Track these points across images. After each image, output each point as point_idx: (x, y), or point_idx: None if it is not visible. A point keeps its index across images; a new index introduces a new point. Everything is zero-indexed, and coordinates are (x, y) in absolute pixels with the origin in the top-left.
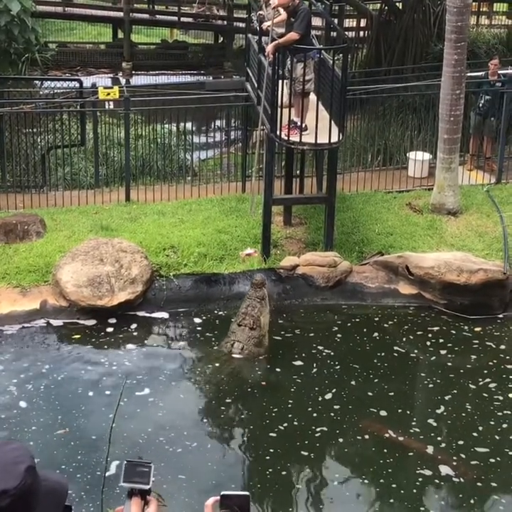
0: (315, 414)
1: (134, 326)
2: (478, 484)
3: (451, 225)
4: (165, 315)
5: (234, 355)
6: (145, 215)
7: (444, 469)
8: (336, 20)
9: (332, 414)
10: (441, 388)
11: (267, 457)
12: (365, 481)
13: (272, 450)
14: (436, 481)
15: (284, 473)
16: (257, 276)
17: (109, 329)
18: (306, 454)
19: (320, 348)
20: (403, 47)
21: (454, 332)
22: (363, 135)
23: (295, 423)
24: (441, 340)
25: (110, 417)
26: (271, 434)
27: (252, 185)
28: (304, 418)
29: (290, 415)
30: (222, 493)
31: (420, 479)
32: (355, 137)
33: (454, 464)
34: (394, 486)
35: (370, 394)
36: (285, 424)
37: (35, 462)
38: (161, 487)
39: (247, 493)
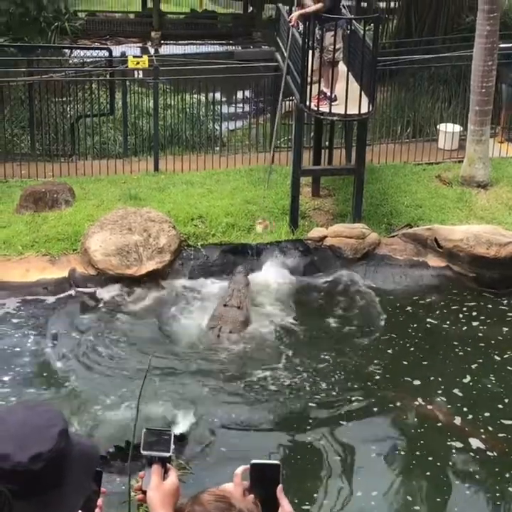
0: (350, 383)
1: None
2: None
3: (481, 197)
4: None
5: (222, 339)
6: (173, 184)
7: (475, 442)
8: None
9: (369, 383)
10: (469, 360)
11: (308, 427)
12: (401, 452)
13: (311, 420)
14: (471, 454)
15: (322, 442)
16: (241, 267)
17: (136, 296)
18: (344, 423)
19: (351, 318)
20: (434, 18)
21: (481, 305)
22: (393, 106)
23: (333, 393)
24: (467, 312)
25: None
26: (310, 404)
27: (271, 156)
28: (341, 387)
29: (327, 384)
30: (252, 461)
31: (453, 451)
32: (384, 109)
33: (483, 436)
34: (430, 458)
35: (405, 363)
36: (323, 394)
37: (68, 425)
38: (190, 455)
39: (277, 462)
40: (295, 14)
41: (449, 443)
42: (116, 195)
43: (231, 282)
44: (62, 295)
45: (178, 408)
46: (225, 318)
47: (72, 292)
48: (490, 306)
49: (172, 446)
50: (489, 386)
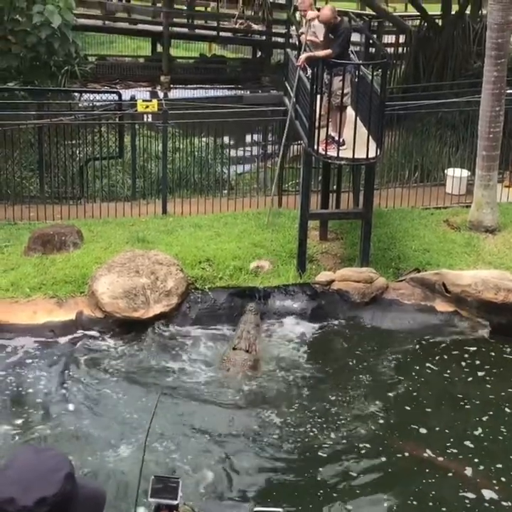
0: (358, 430)
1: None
2: None
3: (489, 242)
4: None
5: (229, 386)
6: (181, 227)
7: (488, 493)
8: (375, 36)
9: (375, 430)
10: (479, 409)
11: (315, 475)
12: (414, 503)
13: (318, 468)
14: (486, 504)
15: (330, 490)
16: (252, 304)
17: (144, 339)
18: (354, 474)
19: (357, 363)
20: (442, 63)
21: (489, 351)
22: (401, 151)
23: (344, 441)
24: (474, 359)
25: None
26: (318, 451)
27: (272, 198)
28: (348, 433)
29: (335, 431)
30: (255, 508)
31: (466, 502)
32: (392, 153)
33: (496, 487)
34: (444, 509)
35: (408, 408)
36: (330, 442)
37: (74, 469)
38: (195, 500)
39: (280, 509)
40: (303, 57)
41: (461, 494)
42: (124, 238)
43: (241, 322)
44: (69, 337)
45: (183, 453)
46: (233, 362)
47: (79, 335)
48: (498, 352)
49: (180, 494)
50: (500, 438)
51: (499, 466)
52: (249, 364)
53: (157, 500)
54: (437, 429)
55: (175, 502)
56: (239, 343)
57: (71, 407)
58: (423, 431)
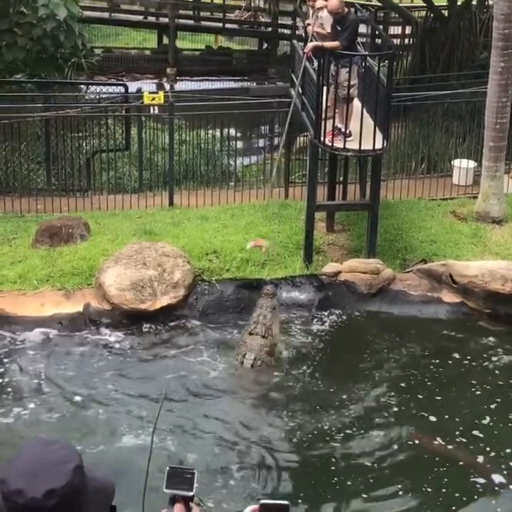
0: (371, 418)
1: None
2: None
3: (495, 233)
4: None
5: (246, 367)
6: (188, 219)
7: (497, 478)
8: (381, 27)
9: (386, 414)
10: (487, 397)
11: (326, 465)
12: (428, 489)
13: (330, 458)
14: (496, 488)
15: (342, 479)
16: (269, 287)
17: (147, 331)
18: (368, 464)
19: (365, 353)
20: (448, 54)
21: (496, 342)
22: (407, 142)
23: (353, 429)
24: (482, 349)
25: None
26: (329, 441)
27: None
28: (360, 422)
29: (349, 421)
30: (261, 501)
31: (477, 486)
32: (399, 144)
33: (505, 472)
34: (457, 494)
35: (420, 397)
36: (347, 431)
37: (82, 461)
38: (204, 494)
39: (286, 502)
40: (310, 45)
41: (472, 479)
42: (131, 230)
43: (257, 306)
44: (76, 329)
45: (192, 445)
46: (250, 347)
47: (87, 326)
48: (505, 343)
49: (195, 485)
50: (510, 425)
51: (508, 450)
52: (265, 350)
53: (172, 492)
54: (447, 417)
55: (190, 493)
56: (255, 327)
57: (78, 397)
58: (433, 419)
